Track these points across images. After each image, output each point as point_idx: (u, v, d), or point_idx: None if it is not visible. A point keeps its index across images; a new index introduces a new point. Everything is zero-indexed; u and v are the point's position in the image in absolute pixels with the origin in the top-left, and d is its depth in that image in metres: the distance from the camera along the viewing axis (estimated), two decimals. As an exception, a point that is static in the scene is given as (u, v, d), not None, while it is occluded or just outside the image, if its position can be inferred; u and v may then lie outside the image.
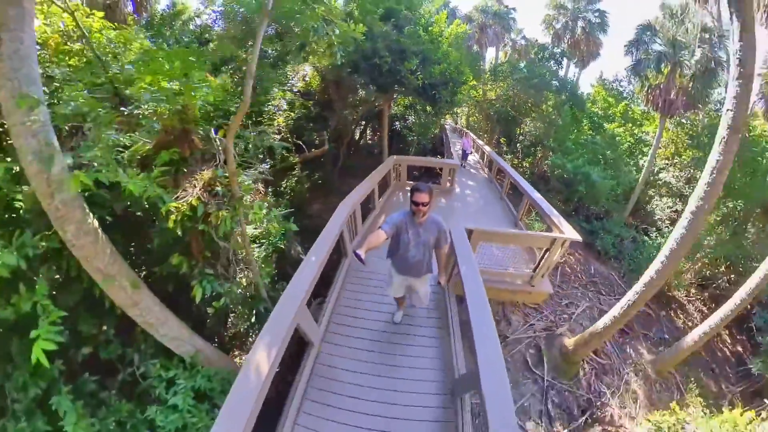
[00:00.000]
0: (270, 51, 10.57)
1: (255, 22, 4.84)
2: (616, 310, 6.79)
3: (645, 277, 6.43)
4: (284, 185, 12.13)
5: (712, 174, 5.55)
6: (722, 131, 5.50)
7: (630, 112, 21.14)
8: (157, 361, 4.39)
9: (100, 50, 4.32)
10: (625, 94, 22.73)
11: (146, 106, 3.57)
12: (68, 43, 4.32)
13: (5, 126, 3.07)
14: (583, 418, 6.81)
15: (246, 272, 6.01)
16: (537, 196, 7.86)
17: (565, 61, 26.63)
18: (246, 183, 4.30)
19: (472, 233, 5.77)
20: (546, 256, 6.19)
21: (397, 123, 17.02)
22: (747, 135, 14.30)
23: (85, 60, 4.32)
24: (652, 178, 17.06)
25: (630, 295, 6.60)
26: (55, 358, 3.82)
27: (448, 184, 11.34)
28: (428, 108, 13.53)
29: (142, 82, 3.34)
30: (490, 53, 37.69)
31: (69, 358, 4.09)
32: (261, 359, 2.62)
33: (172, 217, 3.39)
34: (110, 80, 3.94)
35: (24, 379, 3.64)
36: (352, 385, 3.66)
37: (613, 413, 7.17)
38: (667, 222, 15.20)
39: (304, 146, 10.55)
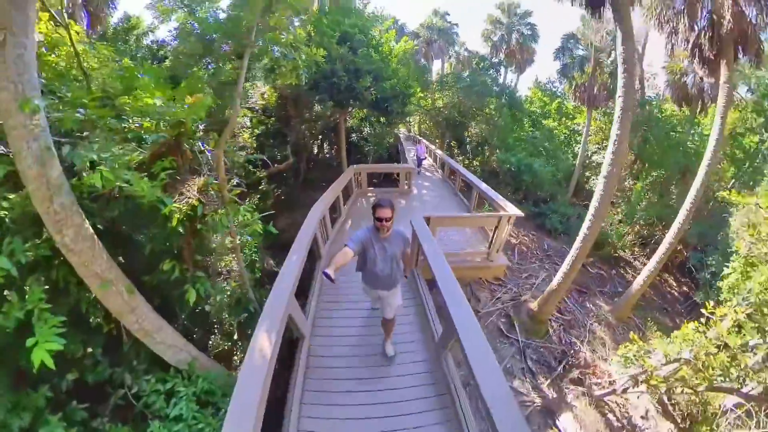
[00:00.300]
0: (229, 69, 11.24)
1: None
2: (564, 267, 7.91)
3: (580, 235, 7.64)
4: (251, 201, 12.56)
5: (614, 144, 6.85)
6: (617, 112, 6.85)
7: (564, 108, 23.58)
8: (151, 376, 4.26)
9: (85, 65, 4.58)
10: (558, 93, 25.31)
11: (143, 120, 4.07)
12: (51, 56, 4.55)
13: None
14: (561, 366, 7.71)
15: (229, 280, 6.45)
16: (483, 186, 9.04)
17: (503, 69, 29.33)
18: (234, 190, 4.85)
19: (430, 220, 6.65)
20: (496, 233, 7.17)
21: (353, 135, 17.97)
22: (660, 116, 16.70)
23: (64, 72, 4.54)
24: (587, 161, 19.43)
25: (573, 252, 7.76)
26: (39, 384, 3.60)
27: (406, 187, 12.33)
28: (382, 119, 14.76)
29: (136, 97, 3.89)
30: (437, 65, 40.50)
31: (54, 385, 3.78)
32: (263, 342, 2.83)
33: (176, 215, 3.85)
34: (106, 94, 4.29)
35: (4, 412, 3.30)
36: (345, 380, 3.89)
37: (586, 357, 8.18)
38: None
39: (268, 161, 11.12)
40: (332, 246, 7.35)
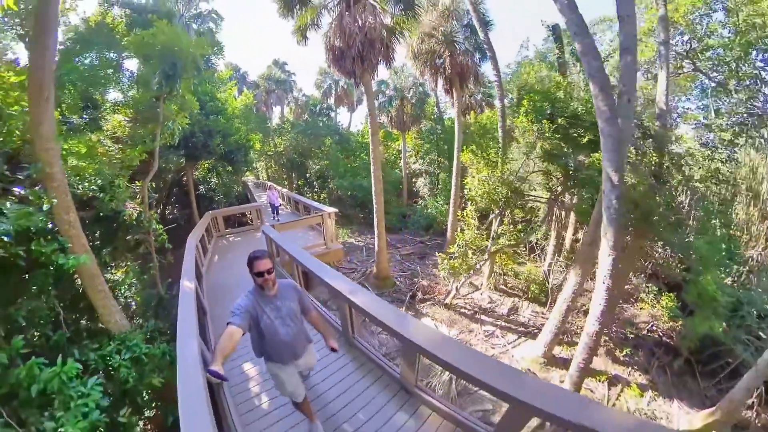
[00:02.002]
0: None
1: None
2: (376, 237, 12.12)
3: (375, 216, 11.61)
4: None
5: (373, 163, 11.03)
6: (370, 138, 11.10)
7: (392, 134, 29.93)
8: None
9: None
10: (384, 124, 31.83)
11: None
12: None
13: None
14: (409, 295, 11.84)
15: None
16: (311, 202, 12.48)
17: (337, 110, 35.04)
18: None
19: (274, 227, 9.52)
20: (324, 227, 10.50)
21: (201, 187, 19.73)
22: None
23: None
24: (409, 171, 25.28)
25: (375, 227, 11.79)
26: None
27: (258, 222, 14.88)
28: (229, 168, 17.41)
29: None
30: (278, 110, 44.45)
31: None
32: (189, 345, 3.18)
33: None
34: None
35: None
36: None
37: (424, 284, 12.51)
38: (428, 192, 23.41)
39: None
40: (208, 275, 8.98)
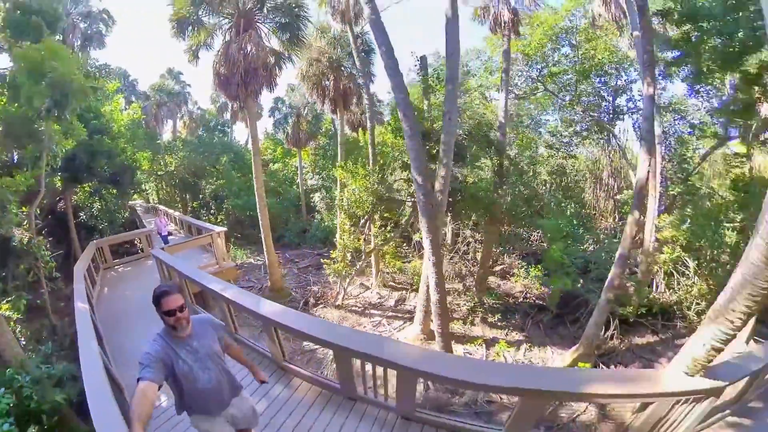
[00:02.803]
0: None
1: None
2: (265, 252, 13.01)
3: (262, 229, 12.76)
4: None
5: (255, 175, 12.27)
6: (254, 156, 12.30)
7: (292, 151, 30.80)
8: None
9: None
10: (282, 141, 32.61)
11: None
12: None
13: None
14: (302, 302, 13.22)
15: None
16: (200, 223, 13.16)
17: (237, 124, 34.91)
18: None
19: (164, 249, 10.08)
20: (215, 247, 11.17)
21: (81, 214, 17.77)
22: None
23: None
24: (306, 187, 26.58)
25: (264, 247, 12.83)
26: None
27: (149, 247, 14.65)
28: (113, 191, 16.62)
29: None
30: (171, 125, 41.80)
31: None
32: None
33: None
34: None
35: None
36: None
37: (315, 290, 14.04)
38: (324, 207, 24.73)
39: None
40: (99, 306, 8.81)
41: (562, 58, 17.06)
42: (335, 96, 17.84)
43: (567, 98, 17.03)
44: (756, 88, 8.76)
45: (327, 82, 18.58)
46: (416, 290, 13.66)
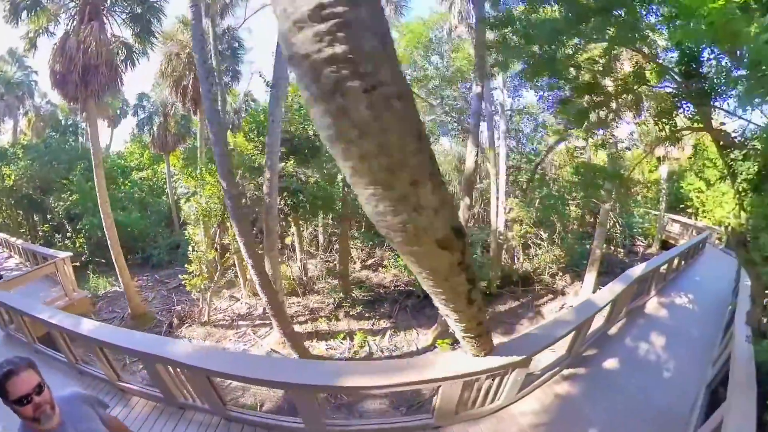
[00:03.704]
0: None
1: None
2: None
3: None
4: None
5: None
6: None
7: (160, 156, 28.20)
8: None
9: None
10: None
11: None
12: None
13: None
14: (166, 324, 12.54)
15: None
16: (43, 249, 11.71)
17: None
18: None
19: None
20: (62, 276, 9.83)
21: None
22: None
23: None
24: (176, 197, 23.66)
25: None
26: None
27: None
28: None
29: None
30: (10, 124, 34.42)
31: None
32: None
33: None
34: None
35: None
36: None
37: (178, 309, 13.44)
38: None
39: None
40: None
41: (427, 65, 19.00)
42: (195, 95, 17.03)
43: (435, 102, 19.02)
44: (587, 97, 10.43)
45: (187, 81, 17.65)
46: (288, 294, 13.89)
